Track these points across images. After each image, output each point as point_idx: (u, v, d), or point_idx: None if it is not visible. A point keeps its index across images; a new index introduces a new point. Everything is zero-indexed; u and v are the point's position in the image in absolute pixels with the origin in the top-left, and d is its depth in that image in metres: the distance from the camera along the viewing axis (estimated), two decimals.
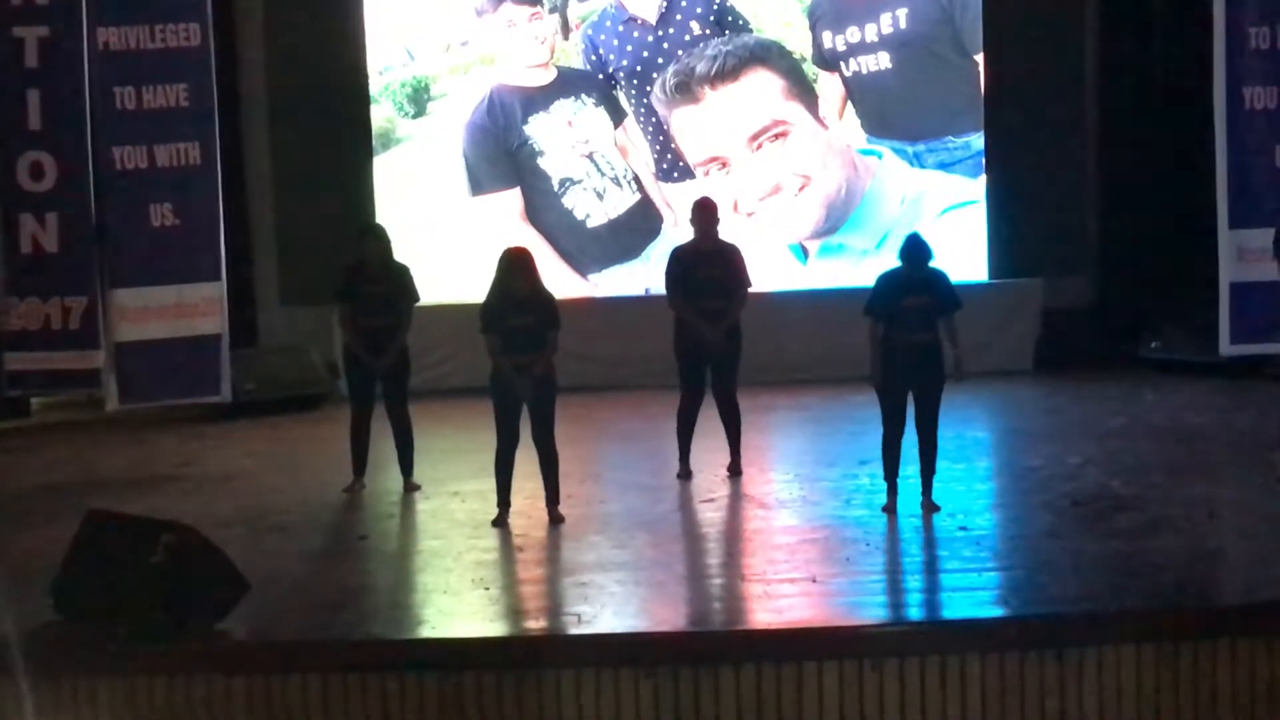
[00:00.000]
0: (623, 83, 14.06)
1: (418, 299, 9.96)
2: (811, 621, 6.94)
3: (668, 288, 9.94)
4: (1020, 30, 14.15)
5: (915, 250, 8.79)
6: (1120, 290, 13.82)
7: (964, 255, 13.72)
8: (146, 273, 11.36)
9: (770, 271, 13.55)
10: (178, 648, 6.75)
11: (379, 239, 9.92)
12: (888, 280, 8.90)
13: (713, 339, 9.75)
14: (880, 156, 14.01)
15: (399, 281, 9.85)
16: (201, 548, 6.98)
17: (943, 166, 14.06)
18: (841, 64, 14.04)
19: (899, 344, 8.71)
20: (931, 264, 8.84)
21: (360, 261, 9.85)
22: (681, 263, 9.93)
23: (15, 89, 11.18)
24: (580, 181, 14.08)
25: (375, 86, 14.17)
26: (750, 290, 10.03)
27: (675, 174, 14.02)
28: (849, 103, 14.03)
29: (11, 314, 11.15)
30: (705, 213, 9.93)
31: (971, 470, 9.92)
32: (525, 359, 8.74)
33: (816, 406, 12.55)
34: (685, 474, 9.91)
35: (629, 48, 14.02)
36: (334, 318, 12.01)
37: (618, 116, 14.08)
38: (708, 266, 9.81)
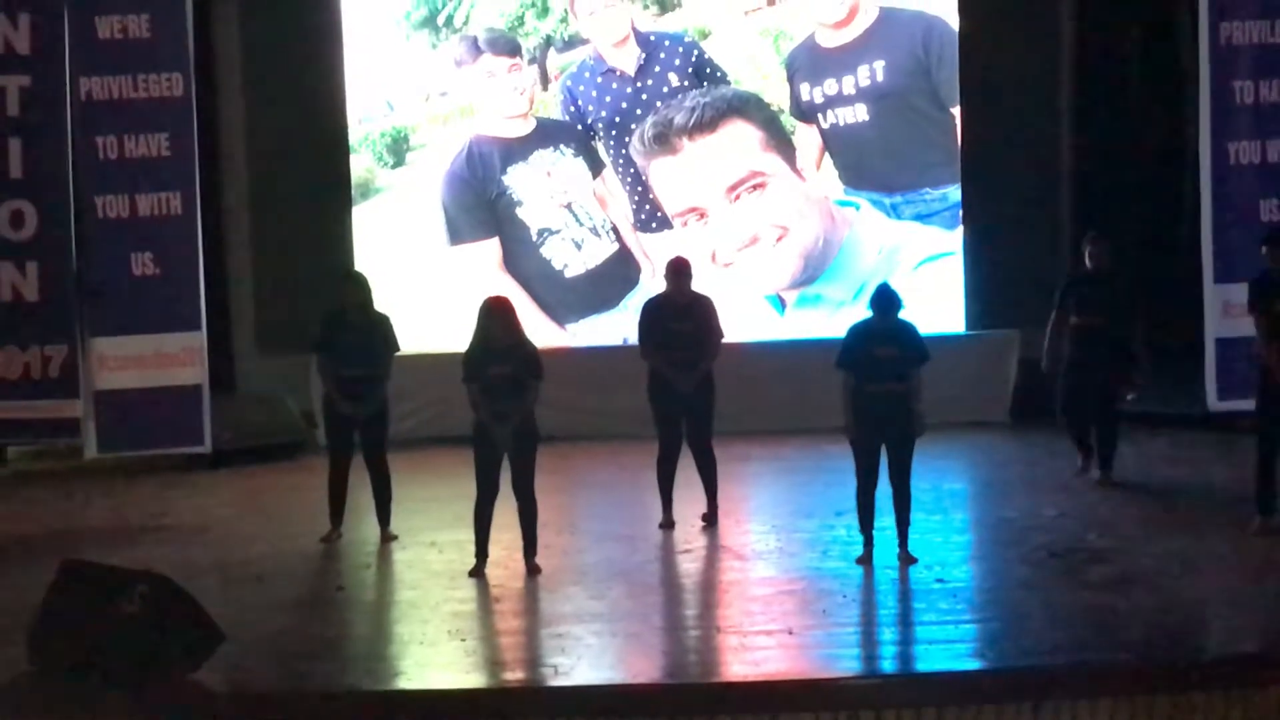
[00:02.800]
0: (601, 133, 14.12)
1: (398, 348, 9.97)
2: (788, 674, 6.95)
3: (640, 339, 10.02)
4: (997, 84, 14.24)
5: (884, 301, 8.85)
6: None
7: (941, 306, 13.79)
8: (127, 322, 11.35)
9: (747, 322, 13.60)
10: (152, 698, 6.72)
11: (359, 286, 9.93)
12: (858, 331, 8.95)
13: (685, 389, 9.80)
14: (858, 208, 14.08)
15: (379, 330, 9.86)
16: (177, 598, 6.97)
17: (920, 218, 14.13)
18: (819, 116, 14.12)
19: (870, 395, 8.76)
20: (901, 314, 8.90)
21: (340, 309, 9.85)
22: (654, 314, 10.00)
23: None
24: (559, 231, 14.12)
25: (355, 136, 14.21)
26: (724, 341, 10.10)
27: (653, 224, 14.07)
28: (826, 154, 14.11)
29: None
30: (678, 275, 10.00)
31: (948, 522, 9.95)
32: (506, 409, 8.76)
33: (793, 457, 12.57)
34: (668, 523, 9.93)
35: (608, 99, 14.10)
36: (312, 366, 12.02)
37: (596, 167, 14.14)
38: (680, 319, 9.88)
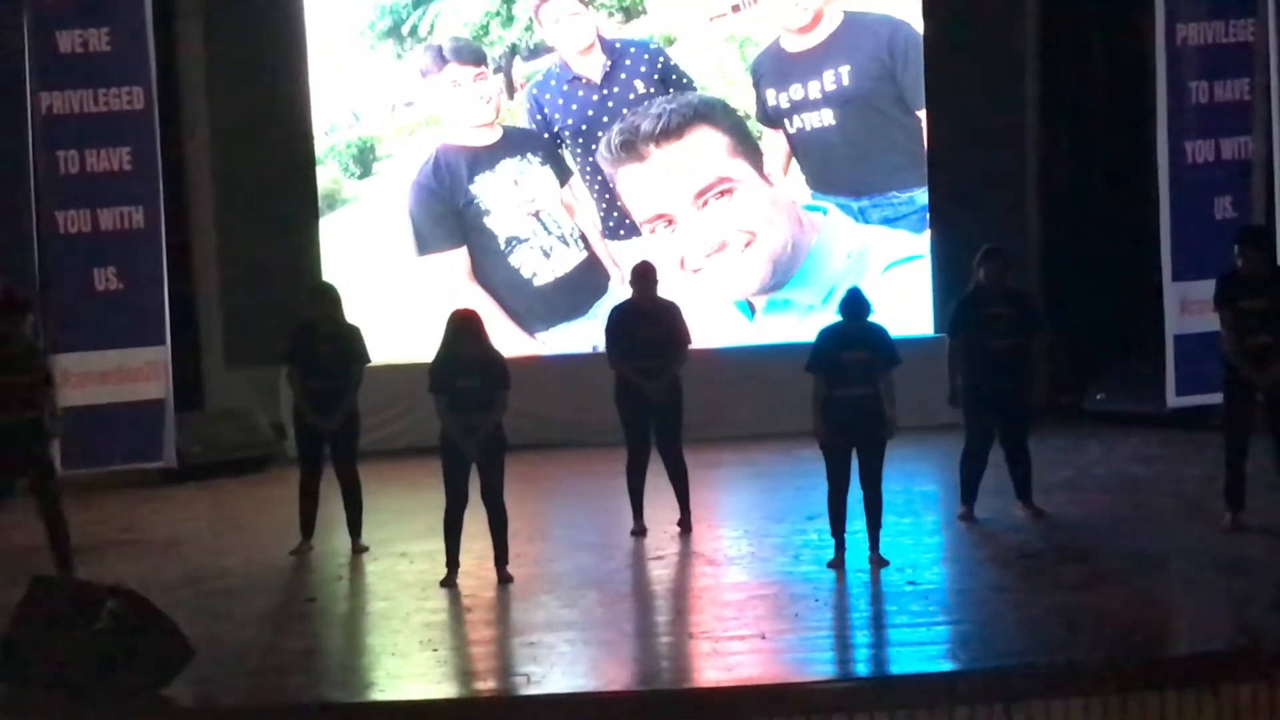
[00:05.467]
0: (568, 141, 14.12)
1: (368, 360, 9.94)
2: (761, 678, 6.93)
3: (607, 345, 10.02)
4: (962, 86, 14.28)
5: (854, 304, 8.86)
6: (1065, 342, 13.91)
7: (910, 309, 13.82)
8: (90, 337, 11.32)
9: (717, 328, 13.61)
10: (122, 714, 6.68)
11: (329, 298, 9.89)
12: (828, 335, 8.96)
13: (653, 395, 9.79)
14: (825, 212, 14.11)
15: (349, 342, 9.83)
16: (146, 613, 6.92)
17: (887, 222, 14.17)
18: (785, 121, 14.14)
19: (840, 399, 8.76)
20: (871, 318, 8.90)
21: (310, 321, 9.82)
22: (621, 321, 10.00)
23: None
24: (527, 240, 14.11)
25: (321, 147, 14.17)
26: (693, 347, 10.11)
27: (621, 231, 14.07)
28: (793, 159, 14.13)
29: None
30: (644, 279, 9.99)
31: (919, 524, 9.95)
32: (473, 420, 8.74)
33: (764, 462, 12.57)
34: (640, 530, 9.92)
35: (574, 106, 14.09)
36: (281, 379, 11.98)
37: (563, 175, 14.13)
38: (647, 326, 9.88)
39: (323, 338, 9.73)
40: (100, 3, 11.52)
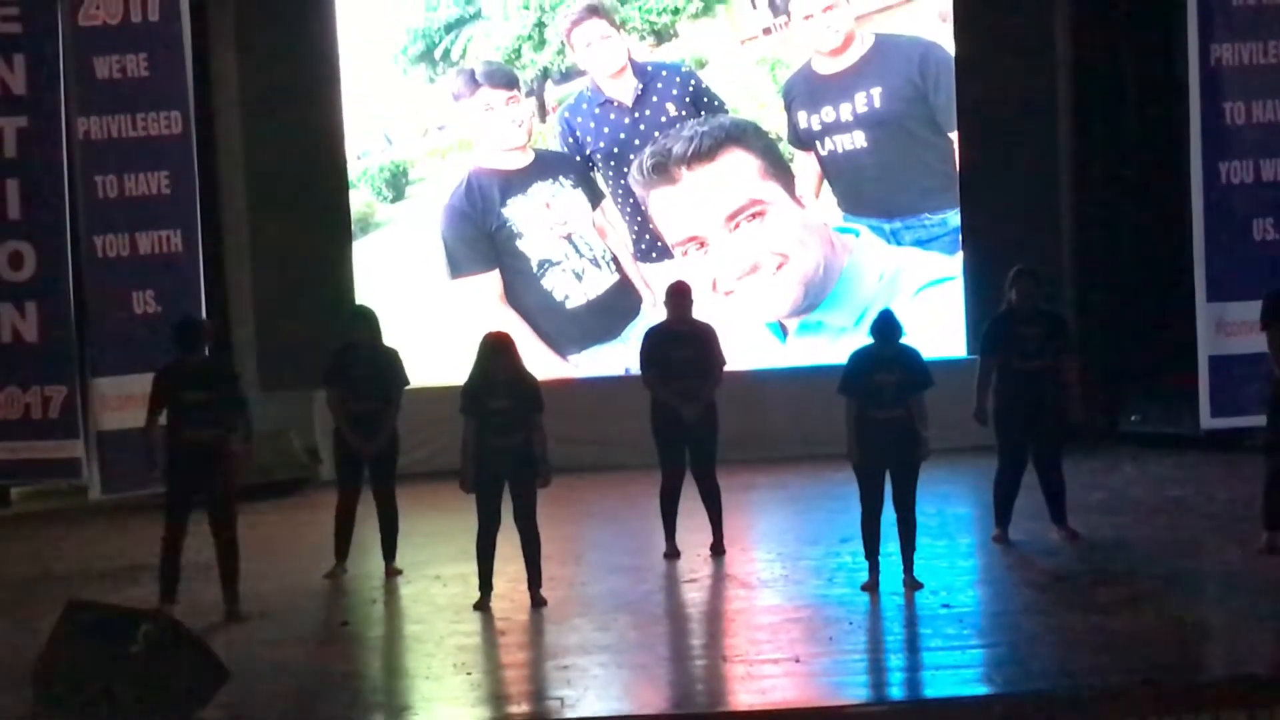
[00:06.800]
0: (600, 164, 14.15)
1: (407, 382, 9.99)
2: (795, 702, 6.92)
3: (642, 367, 10.02)
4: (994, 107, 14.27)
5: (886, 327, 8.86)
6: (1099, 363, 13.86)
7: (943, 331, 13.79)
8: (128, 361, 11.37)
9: (749, 350, 13.59)
10: None
11: (368, 322, 9.95)
12: (860, 357, 8.96)
13: (689, 418, 9.79)
14: (857, 234, 14.09)
15: (388, 365, 9.88)
16: (181, 636, 6.95)
17: (920, 243, 14.15)
18: (817, 143, 14.14)
19: (873, 421, 8.76)
20: (903, 340, 8.90)
21: (349, 345, 9.87)
22: (656, 343, 10.00)
23: None
24: (559, 263, 14.14)
25: (354, 171, 14.23)
26: (726, 369, 10.10)
27: (653, 254, 14.08)
28: (825, 181, 14.13)
29: None
30: (679, 297, 10.00)
31: (953, 546, 9.93)
32: (503, 442, 8.75)
33: (797, 484, 12.55)
34: (673, 553, 9.92)
35: (606, 129, 14.12)
36: (314, 403, 12.03)
37: (595, 198, 14.16)
38: (682, 347, 9.88)
39: (362, 361, 9.78)
40: (138, 29, 11.60)
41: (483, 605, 8.77)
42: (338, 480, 10.02)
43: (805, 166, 14.13)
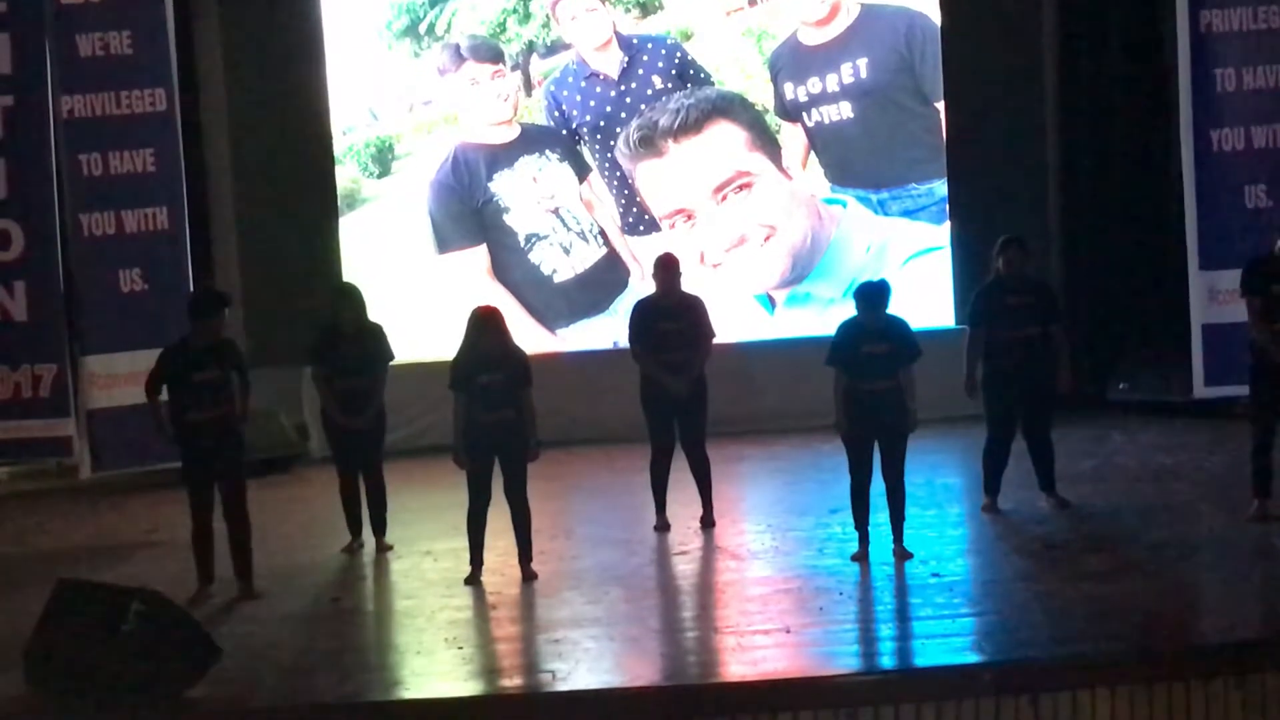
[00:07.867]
0: (586, 138, 14.12)
1: (392, 358, 9.98)
2: (786, 672, 6.94)
3: (631, 340, 10.02)
4: (980, 76, 14.24)
5: (870, 295, 8.84)
6: (1087, 332, 13.88)
7: (930, 301, 13.79)
8: (116, 339, 11.36)
9: (737, 322, 13.59)
10: (149, 715, 6.71)
11: (353, 299, 9.93)
12: (847, 329, 8.96)
13: (677, 391, 9.79)
14: (845, 205, 14.08)
15: (373, 341, 9.86)
16: (172, 614, 6.97)
17: (907, 214, 14.14)
18: (803, 114, 14.12)
19: (861, 392, 8.76)
20: (890, 310, 8.89)
21: (334, 322, 9.85)
22: (644, 316, 9.99)
23: None
24: (546, 237, 14.12)
25: (339, 147, 14.19)
26: (715, 341, 10.11)
27: (641, 227, 14.06)
28: (812, 152, 14.11)
29: None
30: (667, 270, 9.99)
31: (943, 516, 9.94)
32: (493, 417, 8.75)
33: (787, 456, 12.56)
34: (663, 525, 9.93)
35: (592, 103, 14.09)
36: (303, 379, 12.01)
37: (582, 171, 14.13)
38: (671, 319, 9.88)
39: (347, 338, 9.76)
40: (120, 6, 11.56)
41: (474, 580, 8.78)
42: (334, 459, 10.02)
43: (792, 138, 14.11)
